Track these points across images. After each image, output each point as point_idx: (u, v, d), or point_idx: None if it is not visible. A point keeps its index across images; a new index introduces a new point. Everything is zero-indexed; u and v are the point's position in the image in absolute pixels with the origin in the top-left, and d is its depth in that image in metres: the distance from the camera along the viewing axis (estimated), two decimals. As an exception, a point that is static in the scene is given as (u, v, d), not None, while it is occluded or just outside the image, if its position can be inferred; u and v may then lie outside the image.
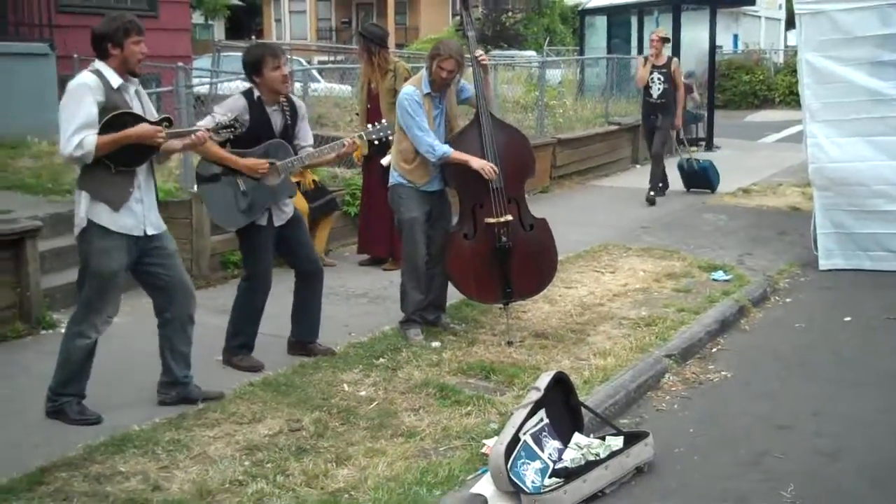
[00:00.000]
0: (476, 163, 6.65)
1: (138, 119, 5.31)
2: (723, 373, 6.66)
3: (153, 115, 5.50)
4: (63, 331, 6.96)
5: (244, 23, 50.70)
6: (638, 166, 17.05)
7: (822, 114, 9.28)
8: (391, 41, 30.91)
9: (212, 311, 7.16)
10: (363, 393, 5.88)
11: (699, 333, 7.21)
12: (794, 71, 9.86)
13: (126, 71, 5.35)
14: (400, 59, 9.71)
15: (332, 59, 28.80)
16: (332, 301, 7.72)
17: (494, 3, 41.56)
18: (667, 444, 5.32)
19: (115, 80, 5.29)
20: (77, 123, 5.12)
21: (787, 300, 8.54)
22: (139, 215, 5.42)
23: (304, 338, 6.62)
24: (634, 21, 20.86)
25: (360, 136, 6.45)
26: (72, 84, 5.26)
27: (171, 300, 5.63)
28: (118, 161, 5.27)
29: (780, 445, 5.39)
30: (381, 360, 6.45)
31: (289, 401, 5.69)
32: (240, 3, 47.42)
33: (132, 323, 7.20)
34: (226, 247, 8.80)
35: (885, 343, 7.25)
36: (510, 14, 41.81)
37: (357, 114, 9.98)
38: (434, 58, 6.70)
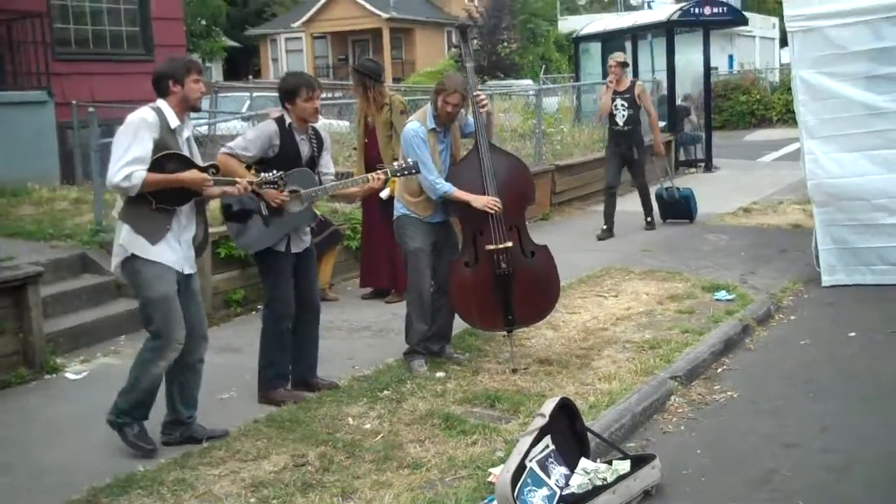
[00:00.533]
0: (477, 203, 6.68)
1: (186, 162, 5.43)
2: (729, 392, 6.63)
3: (198, 159, 5.60)
4: (68, 375, 7.04)
5: (241, 64, 50.96)
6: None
7: (818, 130, 9.29)
8: (388, 75, 31.06)
9: (214, 349, 7.12)
10: (368, 426, 5.86)
11: (704, 354, 7.19)
12: (790, 89, 9.86)
13: (186, 108, 5.49)
14: (395, 92, 9.74)
15: (329, 95, 28.93)
16: (335, 335, 7.72)
17: (490, 34, 41.75)
18: (674, 466, 5.30)
19: (174, 121, 5.42)
20: (130, 156, 5.23)
21: (791, 317, 8.52)
22: (178, 252, 5.52)
23: (305, 376, 6.61)
24: (629, 46, 20.93)
25: (385, 172, 6.44)
26: (131, 117, 5.35)
27: (186, 341, 5.64)
28: (159, 199, 5.38)
29: (788, 463, 5.36)
30: (386, 392, 6.43)
31: (293, 436, 5.67)
32: (236, 44, 47.72)
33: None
34: (228, 285, 8.81)
35: (891, 357, 7.22)
36: (505, 44, 42.02)
37: (355, 148, 10.01)
38: (439, 93, 6.74)
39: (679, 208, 13.42)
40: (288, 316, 6.38)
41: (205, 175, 5.42)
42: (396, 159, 6.86)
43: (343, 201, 6.70)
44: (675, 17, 19.27)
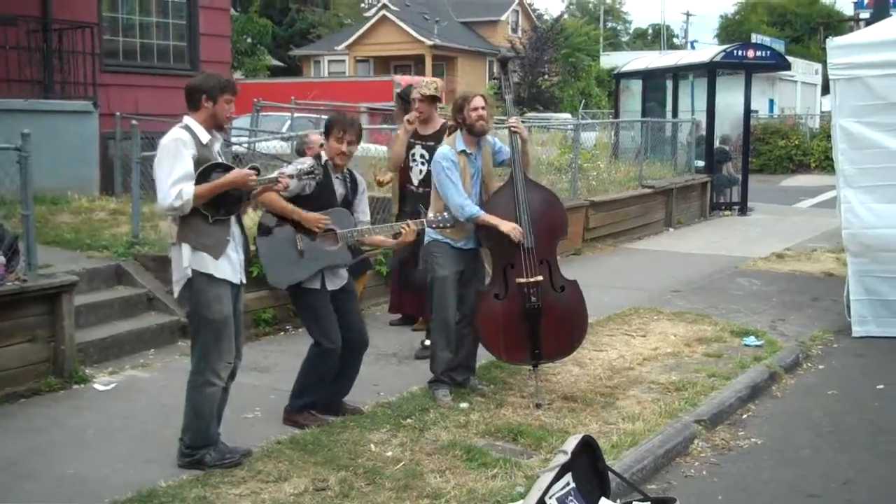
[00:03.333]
0: (505, 227, 6.70)
1: (228, 169, 5.51)
2: (753, 439, 6.59)
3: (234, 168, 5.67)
4: (96, 386, 7.10)
5: (284, 83, 51.34)
6: (671, 229, 17.07)
7: (856, 179, 9.26)
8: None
9: (241, 369, 7.17)
10: (390, 453, 5.88)
11: (730, 399, 7.15)
12: (830, 136, 9.83)
13: (213, 125, 5.56)
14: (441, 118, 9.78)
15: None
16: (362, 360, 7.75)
17: (531, 66, 41.91)
18: (694, 511, 5.28)
19: (204, 136, 5.50)
20: (176, 176, 5.30)
21: (820, 367, 8.46)
22: (236, 263, 5.60)
23: (333, 400, 6.63)
24: (670, 85, 20.97)
25: (420, 223, 6.48)
26: (166, 140, 5.42)
27: None
28: (214, 211, 5.44)
29: (809, 514, 5.33)
30: (409, 420, 6.44)
31: (315, 460, 5.69)
32: (280, 64, 48.12)
33: (161, 378, 7.30)
34: (258, 304, 8.86)
35: (919, 412, 7.15)
36: (546, 77, 42.18)
37: (393, 173, 10.05)
38: (462, 108, 6.79)
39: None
40: (336, 353, 6.36)
41: (247, 171, 5.48)
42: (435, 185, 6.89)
43: (375, 245, 6.78)
44: (717, 58, 19.30)
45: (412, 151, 8.25)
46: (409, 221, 6.43)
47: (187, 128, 5.48)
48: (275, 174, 5.80)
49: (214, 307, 5.49)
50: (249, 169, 5.59)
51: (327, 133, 6.29)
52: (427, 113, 8.16)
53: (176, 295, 5.68)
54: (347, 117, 6.39)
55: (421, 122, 8.18)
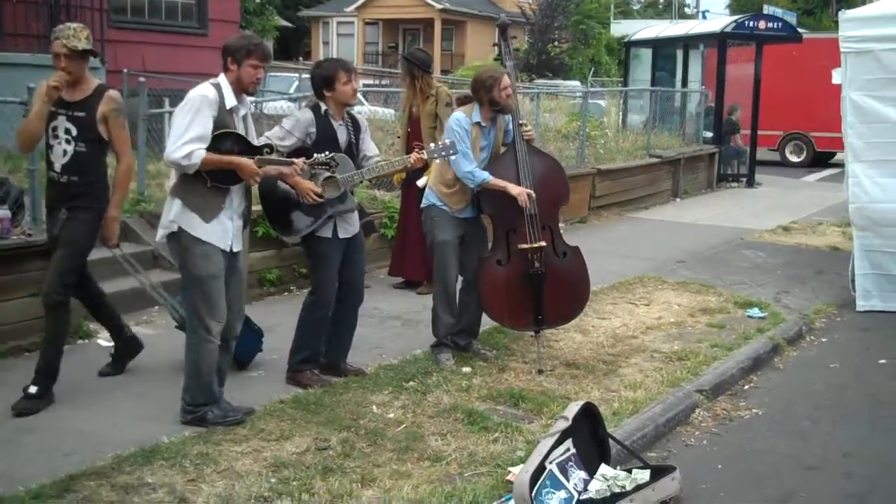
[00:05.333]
0: (514, 189, 6.68)
1: (242, 140, 5.49)
2: (754, 410, 6.61)
3: (254, 138, 5.67)
4: (100, 342, 7.12)
5: (292, 44, 51.15)
6: (678, 200, 17.03)
7: (864, 153, 9.21)
8: (437, 66, 31.02)
9: (246, 327, 7.20)
10: (391, 415, 5.90)
11: (732, 370, 7.17)
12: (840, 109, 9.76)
13: (240, 89, 5.53)
14: (443, 84, 9.76)
15: (377, 82, 28.99)
16: (365, 323, 7.73)
17: (540, 33, 41.65)
18: (694, 480, 5.29)
19: (231, 100, 5.47)
20: (192, 134, 5.28)
21: (823, 340, 8.46)
22: (229, 231, 5.58)
23: (335, 360, 6.67)
24: (680, 54, 20.84)
25: (424, 152, 6.44)
26: (193, 94, 5.40)
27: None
28: (214, 177, 5.43)
29: (808, 486, 5.34)
30: (411, 383, 6.46)
31: (317, 420, 5.72)
32: (288, 25, 47.89)
33: (165, 335, 7.31)
34: (263, 265, 8.88)
35: (921, 387, 7.16)
36: (556, 44, 41.92)
37: (398, 137, 10.05)
38: (491, 88, 6.69)
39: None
40: (328, 305, 6.44)
41: (257, 170, 5.46)
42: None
43: (389, 175, 6.79)
44: (728, 28, 19.16)
45: (53, 124, 5.94)
46: (414, 154, 6.38)
47: (218, 86, 5.46)
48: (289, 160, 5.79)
49: (201, 264, 5.48)
50: (264, 147, 5.60)
51: (332, 81, 6.22)
52: (77, 73, 5.91)
53: (158, 238, 5.68)
54: (340, 60, 6.43)
55: (68, 86, 5.87)
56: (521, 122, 6.93)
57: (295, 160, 5.74)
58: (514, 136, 6.88)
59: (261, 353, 6.88)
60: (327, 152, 5.90)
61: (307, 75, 18.84)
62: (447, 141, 6.47)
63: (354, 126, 6.45)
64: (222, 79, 5.50)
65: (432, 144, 6.58)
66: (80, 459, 5.05)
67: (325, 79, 6.26)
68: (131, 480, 4.83)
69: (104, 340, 7.20)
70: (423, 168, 7.50)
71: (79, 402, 5.95)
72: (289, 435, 5.49)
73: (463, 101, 7.01)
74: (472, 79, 7.09)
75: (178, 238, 5.50)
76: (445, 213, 6.89)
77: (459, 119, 6.76)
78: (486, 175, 6.71)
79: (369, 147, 6.53)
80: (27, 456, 5.16)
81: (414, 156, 6.33)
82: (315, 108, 6.32)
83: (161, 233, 5.59)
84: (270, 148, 5.65)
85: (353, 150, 6.38)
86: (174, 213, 5.46)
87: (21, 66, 11.39)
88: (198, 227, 5.45)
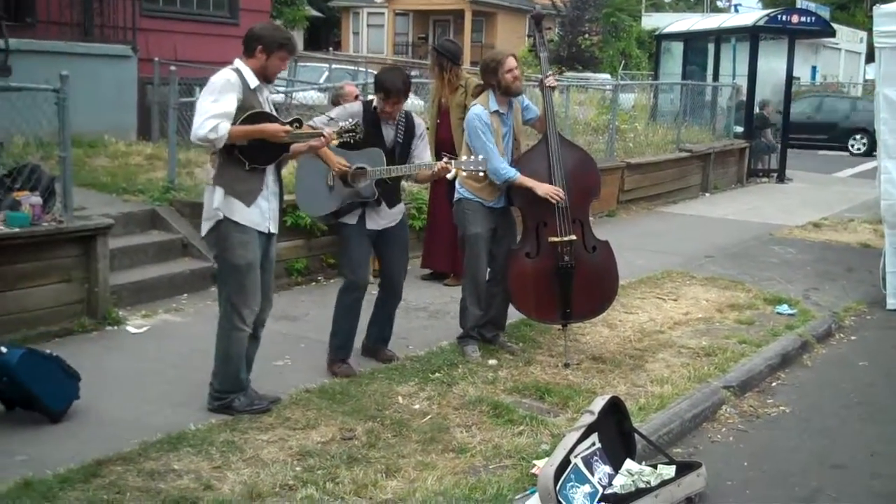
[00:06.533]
0: (541, 189, 6.67)
1: (272, 119, 5.54)
2: (781, 407, 6.57)
3: (279, 119, 5.69)
4: (129, 328, 7.17)
5: (323, 34, 51.20)
6: (707, 194, 16.94)
7: (897, 150, 9.12)
8: (466, 58, 30.94)
9: (272, 317, 7.16)
10: (417, 406, 5.91)
11: (759, 366, 7.13)
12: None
13: (262, 77, 5.57)
14: (472, 75, 9.73)
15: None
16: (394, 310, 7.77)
17: (571, 25, 41.49)
18: (719, 477, 5.27)
19: (253, 81, 5.51)
20: (215, 111, 5.31)
21: (852, 338, 8.40)
22: (266, 212, 5.62)
23: (376, 345, 6.82)
24: (711, 48, 20.71)
25: (452, 164, 6.43)
26: (216, 77, 5.44)
27: None
28: (251, 158, 5.47)
29: (834, 484, 5.31)
30: (437, 374, 6.47)
31: (343, 409, 5.73)
32: (319, 15, 47.94)
33: (193, 323, 7.36)
34: (292, 254, 8.90)
35: (951, 387, 7.10)
36: (586, 36, 41.75)
37: (427, 128, 10.03)
38: (496, 70, 6.72)
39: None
40: (356, 287, 6.51)
41: (283, 126, 5.48)
42: (468, 144, 6.85)
43: (410, 180, 6.79)
44: (761, 22, 19.04)
45: None
46: (441, 163, 6.39)
47: (238, 71, 5.49)
48: (317, 128, 5.84)
49: (238, 252, 5.52)
50: (293, 121, 5.61)
51: (375, 90, 6.37)
52: None
53: (203, 232, 5.71)
54: (398, 83, 6.31)
55: None
56: (548, 73, 6.97)
57: (324, 130, 5.80)
58: (547, 130, 6.85)
59: (287, 341, 6.90)
60: (350, 120, 5.96)
61: (337, 66, 18.90)
62: (480, 157, 6.45)
63: (407, 129, 6.49)
64: (240, 63, 5.53)
65: (464, 157, 6.60)
66: (107, 445, 5.08)
67: (375, 85, 6.42)
68: (158, 466, 4.86)
69: (133, 327, 7.25)
70: None
71: (107, 389, 5.99)
72: (314, 424, 5.51)
73: (478, 92, 7.00)
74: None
75: (218, 226, 5.54)
76: (478, 205, 6.87)
77: (479, 114, 6.74)
78: (513, 173, 6.70)
79: (422, 154, 6.56)
80: (56, 440, 5.20)
81: (440, 164, 6.33)
82: (368, 103, 6.44)
83: (206, 225, 5.60)
84: (299, 122, 5.68)
85: (397, 151, 6.43)
86: (217, 201, 5.50)
87: (54, 53, 11.49)
88: (239, 213, 5.49)
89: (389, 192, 6.45)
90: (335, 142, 5.89)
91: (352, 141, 6.02)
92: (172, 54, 13.51)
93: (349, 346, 6.59)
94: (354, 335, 6.61)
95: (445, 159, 6.45)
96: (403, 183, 10.46)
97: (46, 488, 4.53)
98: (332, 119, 6.26)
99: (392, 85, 6.29)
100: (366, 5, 51.80)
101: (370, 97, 6.50)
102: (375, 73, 6.63)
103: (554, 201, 6.66)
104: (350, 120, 5.96)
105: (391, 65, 8.35)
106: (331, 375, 6.39)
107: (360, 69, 20.68)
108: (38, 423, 5.40)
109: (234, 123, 5.34)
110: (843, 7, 57.38)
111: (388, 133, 6.41)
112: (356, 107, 6.44)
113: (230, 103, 5.35)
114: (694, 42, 21.24)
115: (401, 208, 6.65)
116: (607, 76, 32.57)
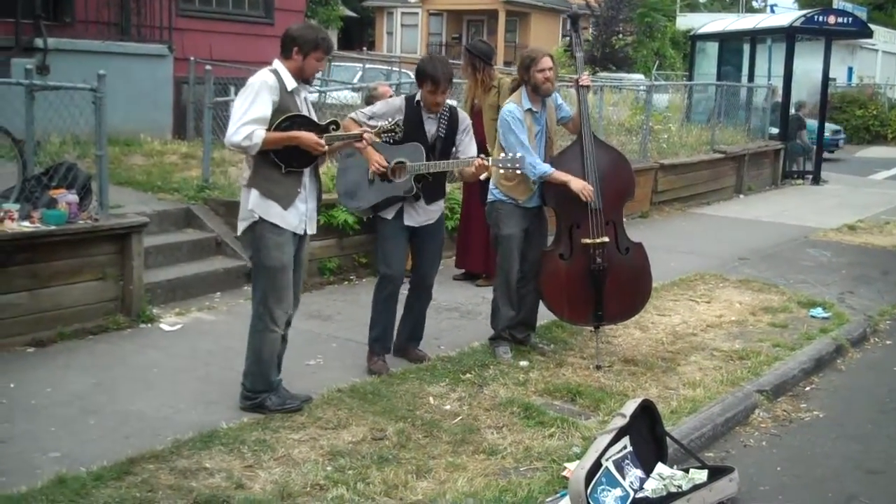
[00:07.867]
0: (575, 185, 6.64)
1: (309, 122, 5.56)
2: (815, 412, 6.51)
3: (316, 120, 5.73)
4: (162, 326, 7.22)
5: (356, 34, 51.32)
6: (741, 196, 16.83)
7: (935, 153, 9.03)
8: (500, 58, 30.88)
9: (304, 316, 7.25)
10: (448, 407, 5.91)
11: (793, 370, 7.07)
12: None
13: (300, 78, 5.59)
14: (505, 76, 9.72)
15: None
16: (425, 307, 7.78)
17: (605, 25, 41.30)
18: (752, 482, 5.24)
19: (290, 83, 5.53)
20: (251, 116, 5.35)
21: (887, 342, 8.31)
22: (302, 214, 5.65)
23: (406, 344, 6.83)
24: (747, 49, 20.57)
25: (489, 161, 6.43)
26: (253, 79, 5.47)
27: None
28: (288, 162, 5.49)
29: (869, 490, 5.26)
30: (468, 375, 6.46)
31: (374, 409, 5.74)
32: (353, 14, 48.04)
33: (227, 321, 7.40)
34: (324, 253, 8.93)
35: None
36: (620, 36, 41.53)
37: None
38: (529, 67, 6.71)
39: None
40: (390, 281, 6.56)
41: (318, 139, 5.48)
42: (501, 142, 6.85)
43: (453, 178, 6.82)
44: (797, 23, 18.89)
45: None
46: (478, 159, 6.38)
47: (276, 72, 5.51)
48: (358, 121, 5.95)
49: (274, 254, 5.55)
50: (330, 123, 5.64)
51: (419, 84, 6.35)
52: None
53: (239, 232, 5.74)
54: (438, 73, 6.26)
55: None
56: (583, 73, 6.95)
57: (365, 130, 5.85)
58: (581, 131, 6.82)
59: (319, 340, 6.92)
60: (391, 119, 6.00)
61: (371, 66, 18.92)
62: (518, 154, 6.43)
63: (450, 123, 6.48)
64: (279, 64, 5.55)
65: (501, 154, 6.58)
66: (140, 442, 5.12)
67: (416, 76, 6.42)
68: (189, 465, 4.89)
69: (166, 325, 7.30)
70: None
71: (141, 386, 6.04)
72: (346, 424, 5.52)
73: (515, 86, 6.98)
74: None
75: (254, 227, 5.56)
76: (511, 206, 6.86)
77: (511, 110, 6.73)
78: (547, 168, 6.68)
79: (468, 148, 6.54)
80: (89, 438, 5.24)
81: (478, 161, 6.32)
82: (410, 97, 6.46)
83: (242, 225, 5.63)
84: (336, 124, 5.70)
85: (440, 145, 6.42)
86: (252, 203, 5.52)
87: (92, 53, 11.60)
88: (276, 215, 5.51)
89: (429, 188, 6.44)
90: (378, 140, 5.96)
91: (391, 141, 6.06)
92: (208, 54, 13.59)
93: (385, 340, 6.63)
94: (392, 329, 6.67)
95: (481, 157, 6.46)
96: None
97: (80, 485, 4.56)
98: (374, 112, 6.30)
99: (440, 74, 6.27)
100: (400, 5, 51.85)
101: (414, 94, 6.48)
102: (416, 63, 6.58)
103: (584, 199, 6.63)
104: (390, 119, 5.99)
105: (429, 54, 8.33)
106: (364, 373, 6.40)
107: (394, 69, 20.74)
108: (71, 419, 5.45)
109: (270, 127, 5.37)
110: (880, 7, 56.77)
111: (430, 128, 6.40)
112: (398, 101, 6.45)
113: (265, 107, 5.37)
114: (729, 42, 21.10)
115: (440, 206, 6.65)
116: (641, 77, 32.41)
